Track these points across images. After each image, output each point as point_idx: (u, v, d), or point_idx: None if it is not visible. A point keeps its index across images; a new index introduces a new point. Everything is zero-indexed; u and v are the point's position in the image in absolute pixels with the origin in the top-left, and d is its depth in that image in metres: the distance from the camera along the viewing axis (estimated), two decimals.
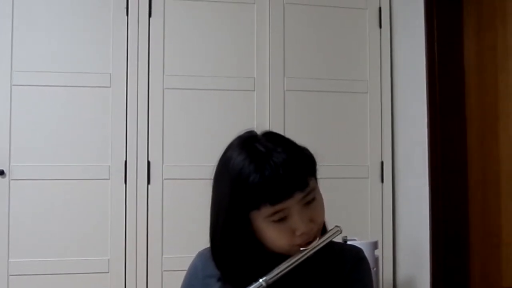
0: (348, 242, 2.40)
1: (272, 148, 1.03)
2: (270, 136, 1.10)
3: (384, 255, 2.87)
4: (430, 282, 2.72)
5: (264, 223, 1.03)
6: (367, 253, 1.20)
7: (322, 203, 1.07)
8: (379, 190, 2.92)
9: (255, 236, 1.06)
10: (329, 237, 1.05)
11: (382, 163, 2.93)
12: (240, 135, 1.11)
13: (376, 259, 2.59)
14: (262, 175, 1.00)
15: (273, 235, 1.04)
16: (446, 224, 2.74)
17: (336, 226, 1.08)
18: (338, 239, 1.13)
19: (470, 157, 2.73)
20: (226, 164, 1.06)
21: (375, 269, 2.54)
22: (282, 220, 1.03)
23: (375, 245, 2.56)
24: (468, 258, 2.72)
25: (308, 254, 1.03)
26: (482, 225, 2.65)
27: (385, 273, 2.86)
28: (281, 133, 1.12)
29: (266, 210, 1.02)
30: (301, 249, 1.03)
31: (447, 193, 2.75)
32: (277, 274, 1.02)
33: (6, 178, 2.59)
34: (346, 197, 2.86)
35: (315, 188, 1.06)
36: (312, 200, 1.05)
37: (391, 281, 2.89)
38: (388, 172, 2.93)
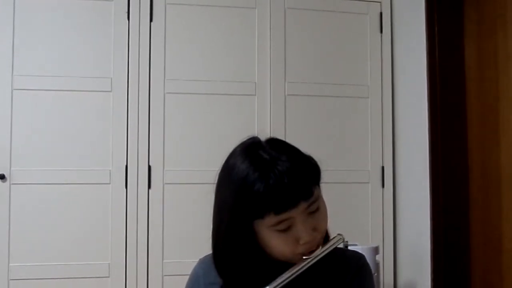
0: (349, 247, 2.39)
1: (276, 156, 1.02)
2: (274, 143, 1.07)
3: (385, 260, 2.87)
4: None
5: (267, 232, 1.02)
6: (368, 258, 1.19)
7: (326, 212, 1.06)
8: (380, 195, 2.92)
9: (257, 244, 1.05)
10: (331, 246, 1.05)
11: (383, 168, 2.93)
12: (243, 141, 1.09)
13: (377, 265, 2.59)
14: (267, 184, 0.98)
15: (276, 243, 1.03)
16: (447, 229, 2.74)
17: (339, 234, 1.07)
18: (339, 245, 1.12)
19: (471, 162, 2.73)
20: (230, 171, 1.05)
21: (376, 274, 2.54)
22: (285, 229, 1.02)
23: (376, 250, 2.56)
24: (469, 264, 2.72)
25: (311, 263, 1.03)
26: (483, 230, 2.65)
27: (386, 278, 2.86)
28: (282, 137, 1.11)
29: (270, 219, 1.00)
30: (304, 257, 1.03)
31: (448, 198, 2.76)
32: (280, 284, 1.01)
33: (7, 182, 2.59)
34: (347, 202, 2.86)
35: (319, 197, 1.05)
36: (316, 209, 1.03)
37: (392, 287, 2.88)
38: (389, 177, 2.93)
